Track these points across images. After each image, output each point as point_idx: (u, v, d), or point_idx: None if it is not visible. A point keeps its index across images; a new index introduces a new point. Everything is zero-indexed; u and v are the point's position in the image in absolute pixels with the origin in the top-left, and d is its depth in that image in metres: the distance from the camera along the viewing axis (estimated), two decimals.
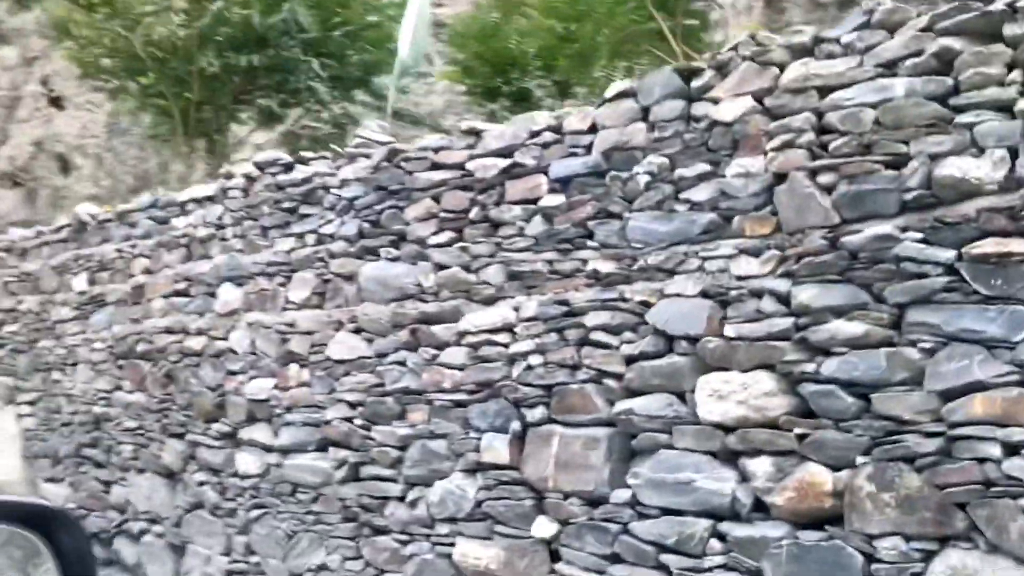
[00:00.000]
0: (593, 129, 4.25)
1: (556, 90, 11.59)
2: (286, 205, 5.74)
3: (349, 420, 4.98)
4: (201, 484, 6.02)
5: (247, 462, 5.65)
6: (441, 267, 4.74)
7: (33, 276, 8.11)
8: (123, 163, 17.96)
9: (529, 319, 4.20)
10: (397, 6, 9.94)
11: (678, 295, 3.68)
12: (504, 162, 4.53)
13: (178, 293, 6.42)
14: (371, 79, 9.67)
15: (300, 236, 5.63)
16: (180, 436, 6.21)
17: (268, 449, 5.53)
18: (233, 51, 9.14)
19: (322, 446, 5.18)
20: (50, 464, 7.60)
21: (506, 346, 4.27)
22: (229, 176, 6.24)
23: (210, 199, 6.34)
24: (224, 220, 6.17)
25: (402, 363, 4.75)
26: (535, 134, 4.47)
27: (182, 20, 8.84)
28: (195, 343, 6.10)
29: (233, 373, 5.79)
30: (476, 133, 4.74)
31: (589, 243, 4.12)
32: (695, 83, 3.87)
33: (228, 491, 5.79)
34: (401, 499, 4.70)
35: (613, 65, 10.77)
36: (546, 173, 4.36)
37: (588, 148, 4.24)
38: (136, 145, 17.75)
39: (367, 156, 5.32)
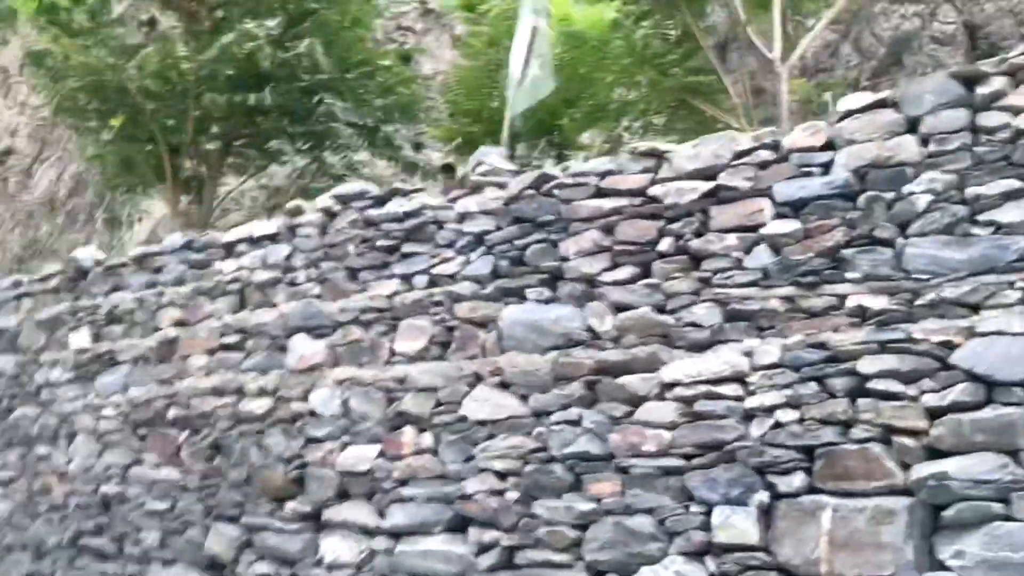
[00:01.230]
0: (829, 146, 3.66)
1: (551, 151, 11.11)
2: (382, 243, 4.93)
3: (499, 493, 4.12)
4: None
5: (338, 548, 4.66)
6: (622, 308, 4.01)
7: (7, 332, 6.89)
8: (9, 230, 16.49)
9: (769, 367, 3.50)
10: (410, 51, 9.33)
11: (999, 333, 3.07)
12: (706, 185, 3.88)
13: (227, 347, 5.44)
14: (390, 124, 8.91)
15: (406, 278, 4.81)
16: (233, 519, 5.16)
17: (370, 532, 4.58)
18: (236, 89, 8.26)
19: (456, 526, 4.29)
20: (31, 558, 6.30)
21: (738, 399, 3.54)
22: (296, 211, 5.36)
23: (271, 238, 5.44)
24: (294, 262, 5.27)
25: (574, 422, 3.96)
26: (742, 153, 3.85)
27: (187, 51, 7.92)
28: (256, 406, 5.11)
29: (316, 441, 4.83)
30: (658, 155, 4.09)
31: (847, 275, 3.48)
32: (980, 90, 3.35)
33: None
34: None
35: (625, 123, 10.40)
36: (769, 196, 3.73)
37: (826, 167, 3.64)
38: (25, 212, 16.33)
39: (499, 185, 4.59)
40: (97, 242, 15.19)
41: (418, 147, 9.91)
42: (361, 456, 4.62)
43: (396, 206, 4.95)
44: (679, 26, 8.61)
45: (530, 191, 4.41)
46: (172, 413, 5.56)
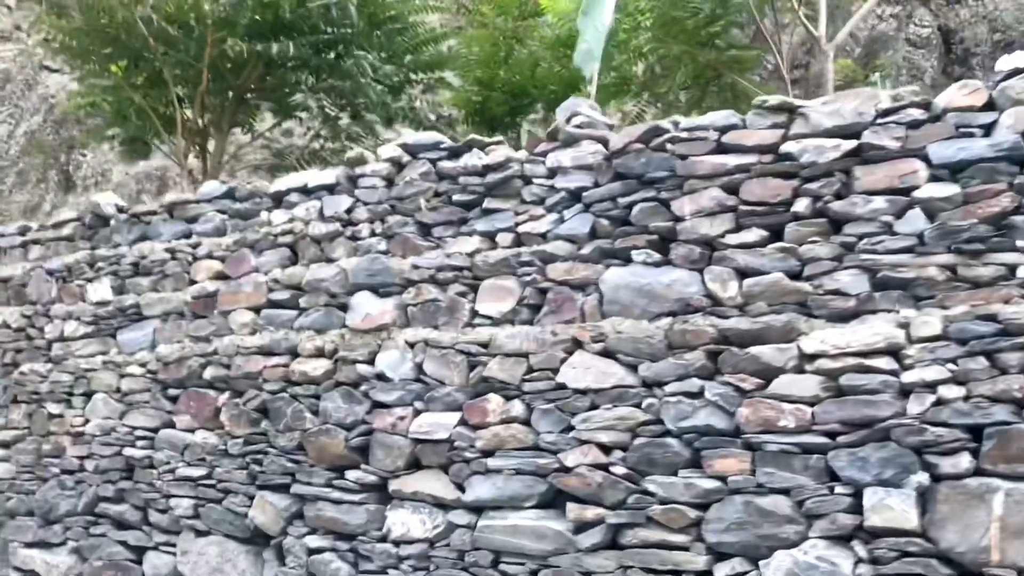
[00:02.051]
0: (989, 107, 3.41)
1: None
2: (459, 198, 4.57)
3: (603, 468, 3.81)
4: (318, 552, 4.61)
5: (408, 522, 4.32)
6: (748, 273, 3.72)
7: (11, 282, 6.38)
8: None
9: (930, 339, 3.24)
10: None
11: None
12: (848, 144, 3.61)
13: (275, 304, 5.04)
14: (416, 84, 8.50)
15: (488, 236, 4.47)
16: (282, 488, 4.78)
17: (446, 505, 4.24)
18: (255, 38, 7.78)
19: (550, 501, 3.98)
20: (37, 524, 5.84)
21: (893, 374, 3.28)
22: (358, 161, 4.98)
23: (327, 189, 5.04)
24: (356, 215, 4.89)
25: (694, 395, 3.67)
26: (889, 111, 3.58)
27: None
28: (312, 367, 4.73)
29: (384, 406, 4.47)
30: (790, 110, 3.80)
31: (1018, 243, 3.23)
32: None
33: (372, 560, 4.41)
34: (707, 573, 3.56)
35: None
36: (922, 158, 3.47)
37: (987, 128, 3.39)
38: None
39: (597, 139, 4.26)
40: (50, 204, 14.52)
41: (438, 116, 9.52)
42: (438, 423, 4.28)
43: (474, 159, 4.59)
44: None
45: (637, 145, 4.09)
46: (209, 373, 5.15)
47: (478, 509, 4.14)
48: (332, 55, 8.08)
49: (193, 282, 5.43)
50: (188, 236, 5.57)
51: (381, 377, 4.51)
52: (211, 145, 8.69)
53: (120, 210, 5.95)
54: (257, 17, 7.76)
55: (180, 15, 7.75)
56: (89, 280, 5.91)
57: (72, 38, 8.25)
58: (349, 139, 9.07)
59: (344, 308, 4.77)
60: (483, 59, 9.91)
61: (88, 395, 5.74)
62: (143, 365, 5.48)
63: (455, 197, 4.60)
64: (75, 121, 14.65)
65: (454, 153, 4.71)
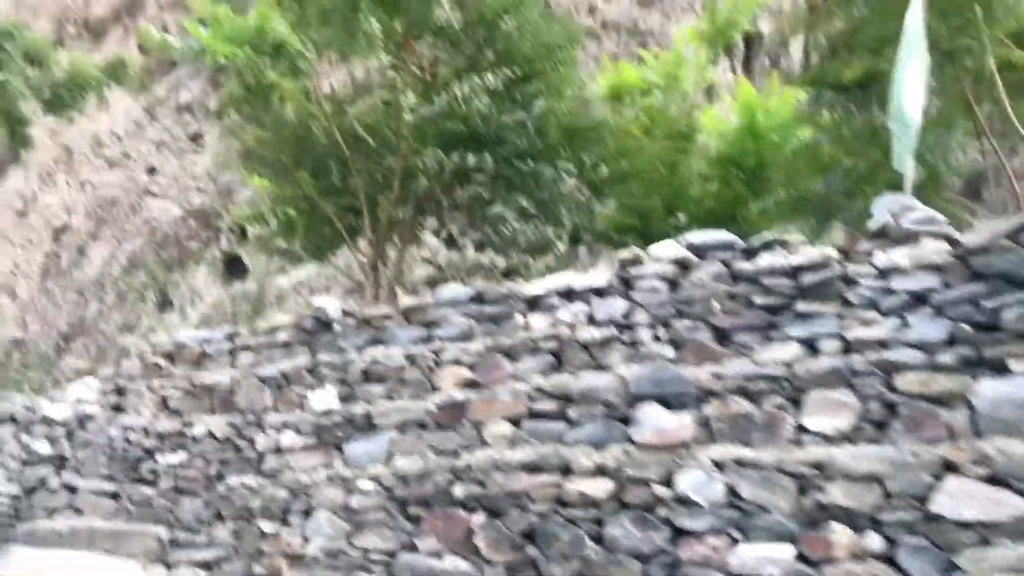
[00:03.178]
0: None
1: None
2: (762, 301, 4.14)
3: None
4: None
5: None
6: None
7: (217, 390, 6.10)
8: (57, 307, 15.99)
9: None
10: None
11: None
12: None
13: (538, 415, 4.60)
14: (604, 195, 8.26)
15: (806, 342, 3.99)
16: None
17: None
18: (449, 148, 7.67)
19: None
20: None
21: None
22: (634, 261, 4.60)
23: (597, 292, 4.66)
24: (634, 318, 4.48)
25: None
26: None
27: (413, 104, 7.34)
28: (590, 487, 4.23)
29: (690, 533, 3.92)
30: None
31: None
32: None
33: None
34: None
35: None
36: None
37: None
38: (75, 289, 15.82)
39: (941, 236, 3.81)
40: (146, 323, 14.60)
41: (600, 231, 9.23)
42: (765, 556, 3.70)
43: (779, 258, 4.17)
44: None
45: (1004, 242, 3.62)
46: (460, 491, 4.69)
47: None
48: (525, 166, 7.90)
49: (435, 389, 5.04)
50: (427, 341, 5.22)
51: (682, 500, 3.98)
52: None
53: (346, 315, 5.67)
54: (451, 127, 7.69)
55: (377, 127, 7.72)
56: (310, 388, 5.58)
57: (265, 147, 8.28)
58: (528, 251, 8.78)
59: (625, 421, 4.30)
60: (643, 175, 9.65)
61: (307, 512, 5.32)
62: (376, 480, 5.05)
63: (756, 300, 4.16)
64: (175, 241, 14.94)
65: (748, 253, 4.30)
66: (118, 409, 6.69)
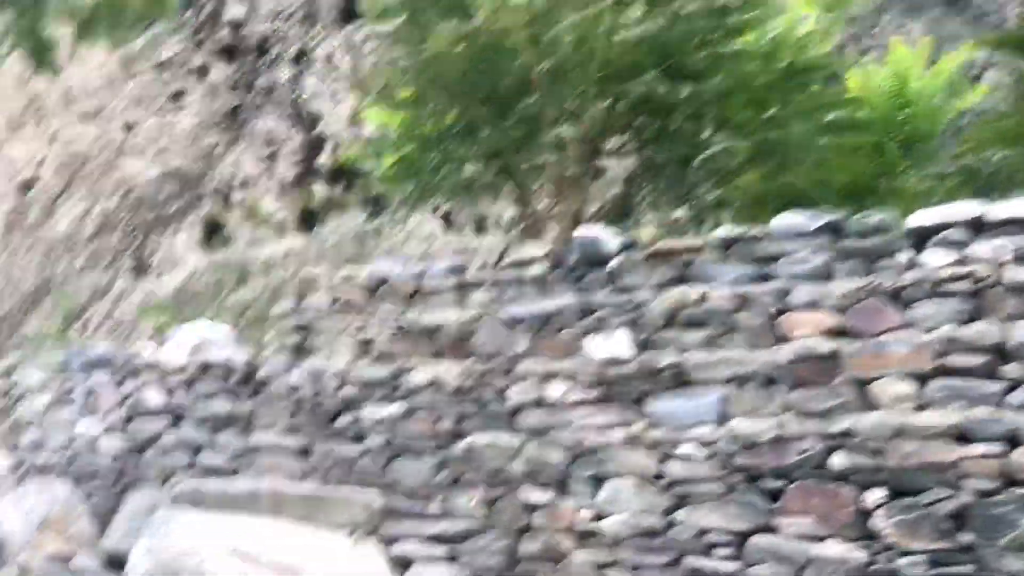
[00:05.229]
0: None
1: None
2: None
3: None
4: None
5: None
6: None
7: (443, 332, 5.14)
8: (22, 266, 14.98)
9: None
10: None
11: None
12: None
13: (952, 372, 3.71)
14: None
15: None
16: None
17: None
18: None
19: None
20: None
21: None
22: None
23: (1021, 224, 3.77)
24: None
25: None
26: None
27: (638, 17, 6.37)
28: None
29: None
30: None
31: None
32: None
33: None
34: None
35: None
36: None
37: None
38: (43, 248, 14.78)
39: None
40: (118, 289, 13.76)
41: None
42: None
43: None
44: None
45: None
46: (841, 461, 3.79)
47: None
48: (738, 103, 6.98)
49: (782, 339, 4.13)
50: (762, 280, 4.30)
51: None
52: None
53: (627, 246, 4.73)
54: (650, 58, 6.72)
55: (583, 44, 6.74)
56: (587, 332, 4.64)
57: (424, 76, 7.24)
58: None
59: None
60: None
61: (598, 479, 4.40)
62: (705, 444, 4.13)
63: None
64: (153, 204, 14.03)
65: None
66: (301, 351, 5.71)
